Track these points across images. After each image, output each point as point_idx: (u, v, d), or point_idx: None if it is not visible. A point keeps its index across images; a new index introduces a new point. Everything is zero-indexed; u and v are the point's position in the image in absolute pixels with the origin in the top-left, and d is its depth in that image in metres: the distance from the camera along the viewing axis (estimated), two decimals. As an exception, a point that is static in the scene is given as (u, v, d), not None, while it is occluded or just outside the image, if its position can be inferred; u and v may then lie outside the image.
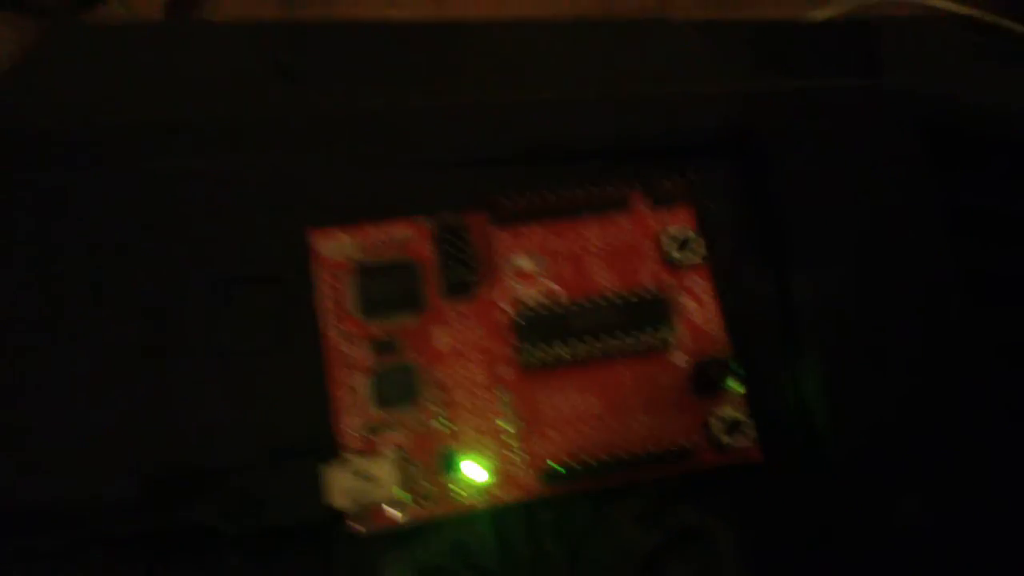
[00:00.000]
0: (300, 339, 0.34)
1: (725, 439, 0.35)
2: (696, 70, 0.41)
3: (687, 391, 0.35)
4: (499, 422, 0.34)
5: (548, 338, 0.34)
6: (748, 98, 0.39)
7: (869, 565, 0.34)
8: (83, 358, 0.32)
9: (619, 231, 0.37)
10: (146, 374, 0.32)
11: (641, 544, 0.34)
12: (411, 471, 0.33)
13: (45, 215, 0.33)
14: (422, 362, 0.34)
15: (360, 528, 0.32)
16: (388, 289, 0.35)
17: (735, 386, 0.36)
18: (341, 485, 0.31)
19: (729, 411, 0.35)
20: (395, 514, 0.32)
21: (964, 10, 0.45)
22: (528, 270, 0.36)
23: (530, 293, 0.36)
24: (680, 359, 0.36)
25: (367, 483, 0.31)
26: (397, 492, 0.32)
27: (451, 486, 0.33)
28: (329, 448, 0.32)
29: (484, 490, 0.33)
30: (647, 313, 0.35)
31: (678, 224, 0.37)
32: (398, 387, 0.34)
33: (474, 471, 0.33)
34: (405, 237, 0.35)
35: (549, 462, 0.33)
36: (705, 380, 0.35)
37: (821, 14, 0.44)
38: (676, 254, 0.37)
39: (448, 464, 0.33)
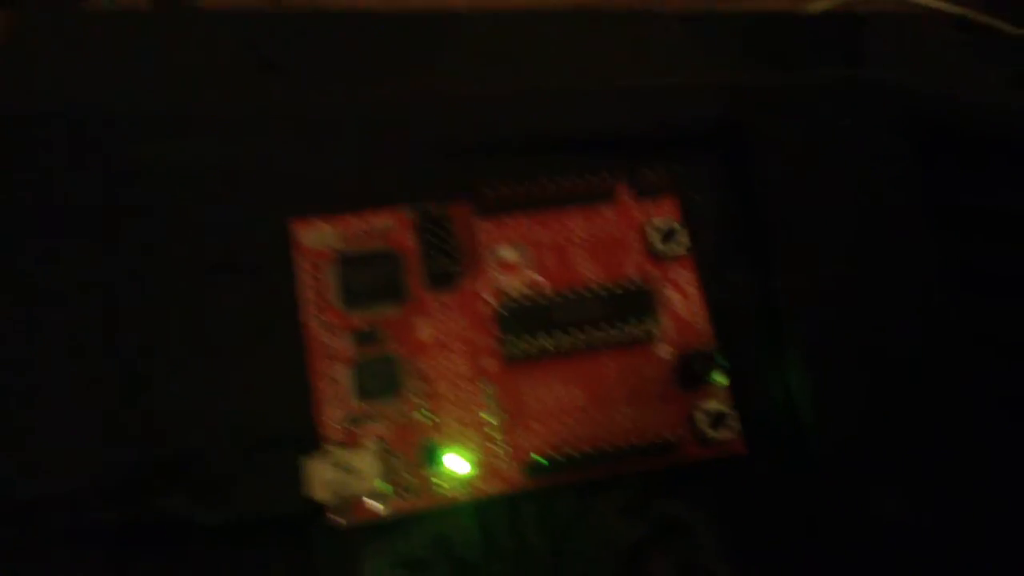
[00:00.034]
0: (281, 329, 0.33)
1: (709, 432, 0.35)
2: (683, 62, 0.41)
3: (671, 383, 0.35)
4: (482, 414, 0.34)
5: (532, 329, 0.34)
6: (735, 91, 0.39)
7: (850, 558, 0.34)
8: (58, 347, 0.32)
9: (604, 222, 0.37)
10: (123, 363, 0.32)
11: (624, 536, 0.34)
12: (393, 463, 0.32)
13: (21, 202, 0.33)
14: (404, 353, 0.34)
15: (341, 520, 0.31)
16: (370, 280, 0.34)
17: (720, 379, 0.35)
18: (322, 477, 0.31)
19: (713, 404, 0.35)
20: (376, 506, 0.32)
21: (951, 8, 0.45)
22: (512, 261, 0.36)
23: (514, 284, 0.35)
24: (664, 351, 0.36)
25: (348, 475, 0.31)
26: (379, 484, 0.31)
27: (433, 478, 0.33)
28: (310, 439, 0.32)
29: (467, 482, 0.33)
30: (631, 305, 0.35)
31: (663, 216, 0.37)
32: (380, 379, 0.33)
33: (457, 463, 0.33)
34: (387, 227, 0.35)
35: (532, 455, 0.33)
36: (690, 373, 0.35)
37: (813, 7, 0.44)
38: (661, 246, 0.37)
39: (430, 456, 0.33)
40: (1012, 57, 0.44)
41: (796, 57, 0.41)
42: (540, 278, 0.36)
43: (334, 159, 0.35)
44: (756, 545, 0.35)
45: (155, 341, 0.32)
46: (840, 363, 0.36)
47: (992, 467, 0.35)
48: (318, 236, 0.34)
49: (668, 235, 0.37)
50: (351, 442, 0.32)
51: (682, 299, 0.36)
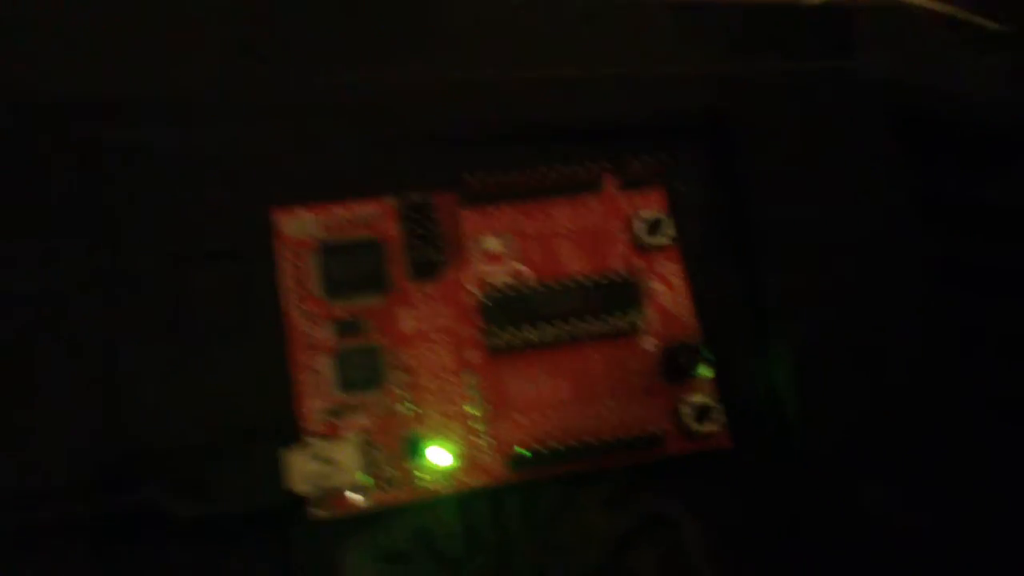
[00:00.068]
0: (261, 319, 0.33)
1: (694, 425, 0.35)
2: (670, 52, 0.40)
3: (656, 376, 0.35)
4: (465, 406, 0.33)
5: (516, 321, 0.34)
6: (721, 81, 0.39)
7: (835, 553, 0.34)
8: (31, 336, 0.31)
9: (589, 213, 0.36)
10: (99, 353, 0.31)
11: (608, 530, 0.34)
12: (374, 455, 0.32)
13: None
14: (387, 344, 0.33)
15: (321, 513, 0.31)
16: (352, 269, 0.34)
17: (705, 372, 0.35)
18: (302, 469, 0.31)
19: (698, 397, 0.35)
20: (357, 499, 0.32)
21: (937, 6, 0.45)
22: (497, 251, 0.35)
23: (498, 275, 0.35)
24: (649, 343, 0.35)
25: (329, 467, 0.31)
26: (360, 477, 0.31)
27: (415, 471, 0.32)
28: (290, 431, 0.32)
29: (449, 475, 0.32)
30: (617, 296, 0.35)
31: (649, 207, 0.37)
32: (362, 370, 0.33)
33: (439, 456, 0.32)
34: (370, 216, 0.35)
35: (516, 448, 0.33)
36: (675, 366, 0.35)
37: (810, 0, 0.44)
38: (646, 237, 0.36)
39: (413, 449, 0.32)
40: (1004, 51, 0.43)
41: (786, 48, 0.41)
42: (525, 269, 0.35)
43: (316, 147, 0.35)
44: (740, 539, 0.34)
45: (133, 331, 0.32)
46: (827, 357, 0.36)
47: (980, 462, 0.35)
48: (300, 225, 0.34)
49: (654, 226, 0.36)
50: (332, 434, 0.32)
51: (667, 291, 0.36)
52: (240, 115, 0.34)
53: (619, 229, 0.36)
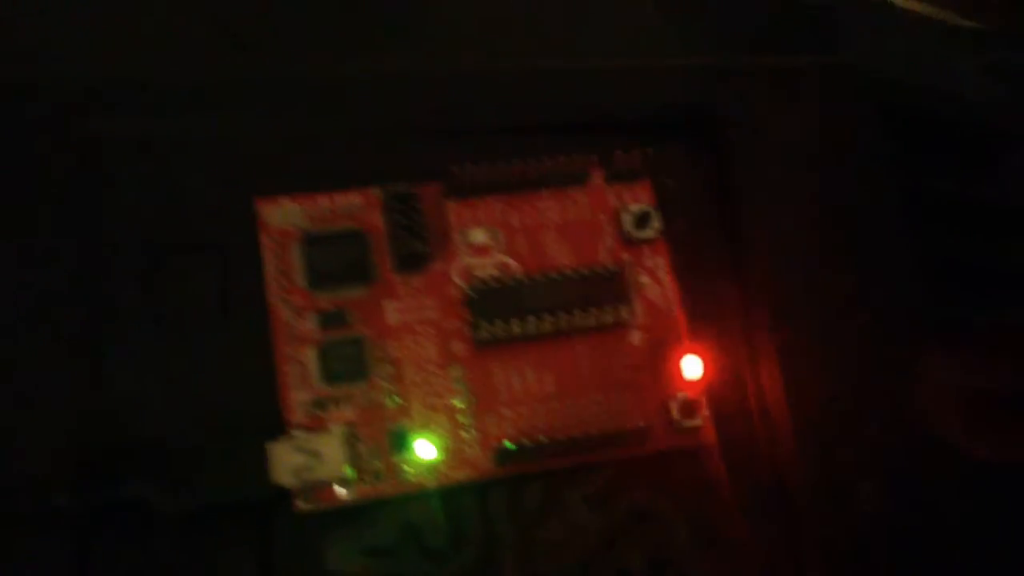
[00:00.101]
0: (245, 310, 0.33)
1: (680, 421, 0.35)
2: (658, 46, 0.40)
3: (643, 370, 0.35)
4: (450, 399, 0.33)
5: (502, 314, 0.34)
6: (710, 75, 0.39)
7: (822, 548, 0.34)
8: (12, 327, 0.31)
9: (576, 206, 0.37)
10: (81, 344, 0.31)
11: (594, 525, 0.34)
12: (359, 448, 0.32)
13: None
14: (372, 336, 0.33)
15: (305, 506, 0.31)
16: (337, 260, 0.34)
17: (692, 367, 0.35)
18: (286, 462, 0.30)
19: (685, 393, 0.35)
20: (342, 492, 0.31)
21: (921, 8, 0.45)
22: (483, 244, 0.35)
23: (484, 267, 0.35)
24: (636, 337, 0.35)
25: (313, 460, 0.31)
26: (344, 470, 0.31)
27: (401, 465, 0.32)
28: (274, 423, 0.31)
29: (435, 469, 0.32)
30: (603, 290, 0.35)
31: (636, 200, 0.37)
32: (347, 362, 0.33)
33: (425, 449, 0.32)
34: (355, 207, 0.35)
35: (505, 442, 0.33)
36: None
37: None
38: (634, 230, 0.36)
39: (398, 442, 0.32)
40: (992, 50, 0.44)
41: (774, 42, 0.41)
42: (511, 261, 0.35)
43: (302, 137, 0.35)
44: (727, 536, 0.34)
45: (116, 323, 0.31)
46: (815, 351, 0.36)
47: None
48: (284, 215, 0.34)
49: (641, 220, 0.36)
50: (317, 426, 0.32)
51: (654, 285, 0.36)
52: (224, 105, 0.34)
53: (606, 222, 0.37)
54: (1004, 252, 0.40)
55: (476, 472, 0.33)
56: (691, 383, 0.35)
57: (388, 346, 0.33)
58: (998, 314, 0.38)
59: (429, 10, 0.38)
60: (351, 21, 0.37)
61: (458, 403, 0.33)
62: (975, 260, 0.39)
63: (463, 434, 0.33)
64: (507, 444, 0.33)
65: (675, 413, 0.35)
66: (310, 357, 0.32)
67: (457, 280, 0.35)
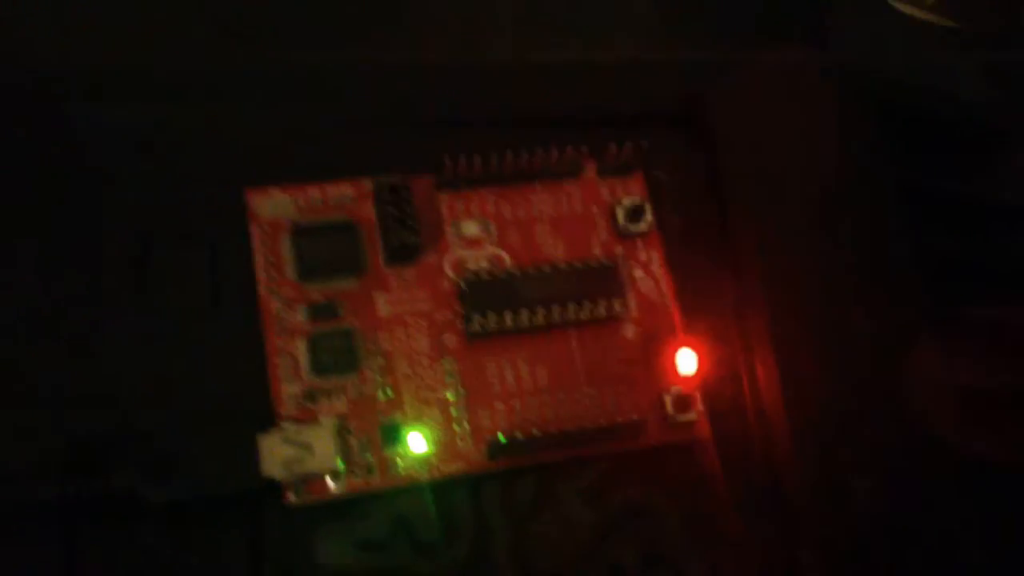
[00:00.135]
0: (235, 301, 0.33)
1: (675, 416, 0.35)
2: (651, 39, 0.41)
3: (636, 364, 0.35)
4: (443, 392, 0.33)
5: (495, 306, 0.34)
6: (702, 68, 0.39)
7: (817, 544, 0.34)
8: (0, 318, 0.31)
9: (569, 199, 0.37)
10: (69, 334, 0.31)
11: (587, 520, 0.34)
12: (350, 441, 0.32)
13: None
14: (363, 328, 0.33)
15: (296, 499, 0.31)
16: (327, 251, 0.34)
17: (686, 361, 0.35)
18: (276, 454, 0.31)
19: (679, 387, 0.35)
20: (333, 485, 0.31)
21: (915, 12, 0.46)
22: (475, 236, 0.35)
23: (477, 260, 0.35)
24: (630, 331, 0.36)
25: (303, 452, 0.31)
26: (335, 462, 0.31)
27: (392, 458, 0.32)
28: (265, 415, 0.31)
29: (427, 462, 0.33)
30: (596, 283, 0.35)
31: (629, 194, 0.37)
32: (338, 354, 0.33)
33: (416, 443, 0.32)
34: (346, 198, 0.35)
35: (499, 435, 0.33)
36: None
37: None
38: (626, 224, 0.37)
39: (389, 435, 0.32)
40: (983, 47, 0.44)
41: (765, 36, 0.42)
42: (504, 254, 0.35)
43: (293, 127, 0.35)
44: (721, 532, 0.35)
45: (104, 313, 0.31)
46: (810, 346, 0.36)
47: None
48: (274, 205, 0.34)
49: (634, 214, 0.37)
50: (307, 419, 0.32)
51: (648, 278, 0.36)
52: (215, 94, 0.34)
53: (599, 216, 0.37)
54: (999, 249, 0.40)
55: (468, 465, 0.33)
56: (685, 378, 0.35)
57: (379, 338, 0.33)
58: (993, 311, 0.39)
59: (422, 2, 0.39)
60: (344, 12, 0.37)
61: (450, 396, 0.33)
62: (970, 257, 0.39)
63: (455, 427, 0.33)
64: (500, 437, 0.33)
65: (669, 408, 0.35)
66: (300, 349, 0.33)
67: (449, 272, 0.35)
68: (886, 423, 0.35)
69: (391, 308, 0.34)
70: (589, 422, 0.34)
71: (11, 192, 0.32)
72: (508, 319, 0.34)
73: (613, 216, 0.37)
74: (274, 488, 0.31)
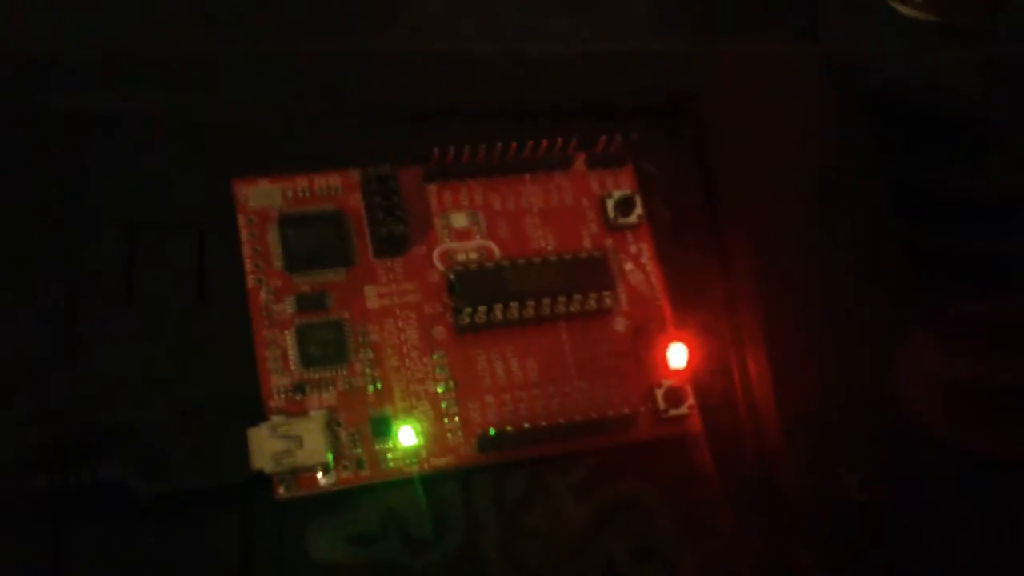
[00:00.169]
0: (223, 292, 0.33)
1: (666, 409, 0.35)
2: (641, 30, 0.41)
3: (627, 358, 0.36)
4: (433, 385, 0.34)
5: (484, 299, 0.34)
6: (692, 61, 0.40)
7: (809, 538, 0.35)
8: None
9: (559, 191, 0.37)
10: (55, 325, 0.31)
11: (578, 514, 0.34)
12: (340, 434, 0.32)
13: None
14: (352, 320, 0.34)
15: (286, 492, 0.31)
16: (315, 242, 0.34)
17: (677, 355, 0.36)
18: (265, 447, 0.31)
19: (670, 381, 0.35)
20: (322, 479, 0.32)
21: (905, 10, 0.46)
22: (464, 228, 0.36)
23: (466, 251, 0.35)
24: (620, 324, 0.36)
25: (293, 445, 0.31)
26: (325, 456, 0.31)
27: (382, 451, 0.33)
28: (254, 408, 0.32)
29: (417, 456, 0.33)
30: (586, 275, 0.36)
31: (619, 186, 0.38)
32: (326, 346, 0.33)
33: (406, 436, 0.33)
34: (334, 188, 0.35)
35: (485, 428, 0.33)
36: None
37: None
38: (616, 216, 0.37)
39: (379, 428, 0.33)
40: (973, 41, 0.45)
41: (755, 29, 0.42)
42: (493, 246, 0.36)
43: (280, 117, 0.35)
44: (713, 526, 0.35)
45: (92, 305, 0.32)
46: (798, 340, 0.36)
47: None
48: (261, 195, 0.34)
49: (624, 206, 0.37)
50: (296, 411, 0.32)
51: (638, 271, 0.37)
52: (202, 84, 0.34)
53: (589, 208, 0.37)
54: (991, 244, 0.41)
55: (458, 459, 0.33)
56: (676, 371, 0.36)
57: (368, 330, 0.34)
58: (985, 305, 0.39)
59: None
60: (333, 2, 0.38)
61: (440, 389, 0.34)
62: (962, 251, 0.40)
63: (445, 420, 0.33)
64: (490, 431, 0.33)
65: (660, 402, 0.35)
66: (289, 341, 0.33)
67: (438, 264, 0.35)
68: (877, 417, 0.36)
69: (380, 300, 0.34)
70: (580, 416, 0.34)
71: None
72: (498, 312, 0.34)
73: (603, 208, 0.37)
74: (264, 481, 0.31)
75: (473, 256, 0.35)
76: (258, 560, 0.31)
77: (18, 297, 0.31)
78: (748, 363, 0.37)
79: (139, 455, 0.30)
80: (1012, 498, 0.36)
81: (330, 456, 0.31)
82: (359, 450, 0.32)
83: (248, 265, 0.33)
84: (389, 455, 0.33)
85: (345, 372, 0.33)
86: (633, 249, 0.37)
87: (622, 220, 0.37)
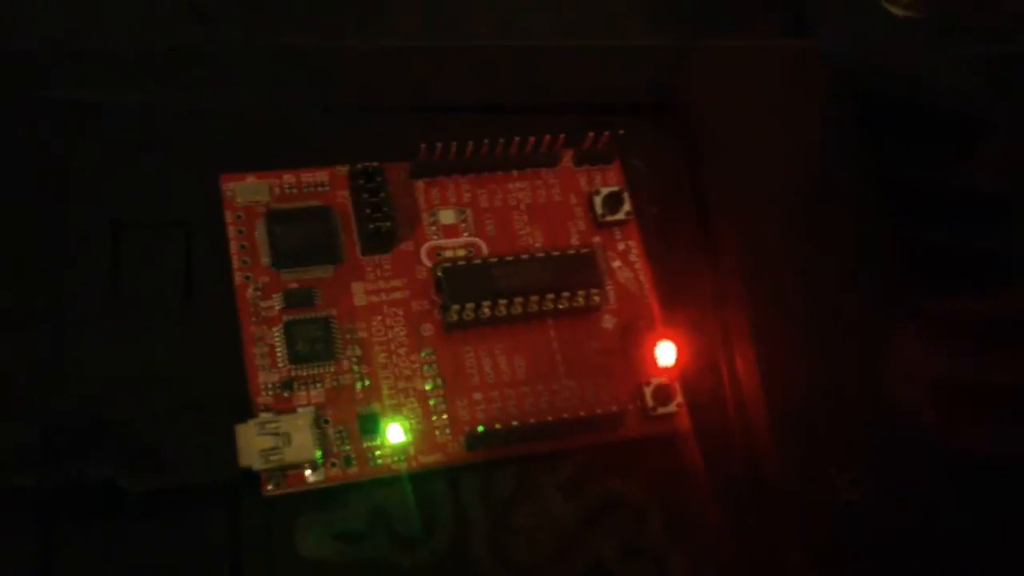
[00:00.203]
0: (210, 289, 0.33)
1: (654, 407, 0.36)
2: (628, 25, 0.42)
3: (615, 355, 0.36)
4: (421, 383, 0.34)
5: (472, 296, 0.35)
6: (679, 56, 0.40)
7: (799, 537, 0.36)
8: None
9: (547, 188, 0.38)
10: (43, 321, 0.31)
11: (567, 512, 0.35)
12: (328, 431, 0.33)
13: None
14: (339, 317, 0.34)
15: (274, 489, 0.32)
16: (302, 238, 0.35)
17: (665, 353, 0.36)
18: (253, 444, 0.31)
19: (658, 379, 0.36)
20: (311, 476, 0.32)
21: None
22: (452, 224, 0.36)
23: (453, 248, 0.36)
24: (608, 321, 0.37)
25: (281, 442, 0.31)
26: (313, 453, 0.32)
27: (370, 448, 0.33)
28: (242, 404, 0.32)
29: (405, 453, 0.33)
30: (574, 273, 0.36)
31: (606, 183, 0.38)
32: (314, 343, 0.34)
33: (394, 433, 0.33)
34: (321, 184, 0.36)
35: (472, 426, 0.34)
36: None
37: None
38: (604, 213, 0.38)
39: (367, 425, 0.33)
40: (960, 37, 0.45)
41: (742, 24, 0.43)
42: (481, 243, 0.36)
43: (268, 113, 0.35)
44: (701, 525, 0.36)
45: (79, 301, 0.32)
46: (787, 337, 0.37)
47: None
48: (249, 191, 0.35)
49: (611, 203, 0.38)
50: (285, 408, 0.33)
51: (626, 268, 0.37)
52: (189, 79, 0.35)
53: (576, 205, 0.38)
54: (979, 240, 0.41)
55: (447, 457, 0.34)
56: (665, 369, 0.36)
57: (355, 327, 0.34)
58: (973, 302, 0.40)
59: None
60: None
61: (428, 386, 0.34)
62: (950, 248, 0.41)
63: (433, 418, 0.34)
64: (479, 429, 0.33)
65: (649, 400, 0.36)
66: (277, 337, 0.33)
67: (426, 261, 0.36)
68: (866, 415, 0.37)
69: (367, 297, 0.35)
70: (568, 414, 0.35)
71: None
72: (486, 309, 0.35)
73: (591, 205, 0.38)
74: (252, 478, 0.31)
75: (461, 253, 0.36)
76: (246, 557, 0.31)
77: (4, 294, 0.31)
78: (737, 361, 0.37)
79: (127, 452, 0.30)
80: (1001, 495, 0.37)
81: (318, 453, 0.32)
82: (347, 447, 0.33)
83: (235, 261, 0.34)
84: (377, 452, 0.33)
85: (333, 369, 0.34)
86: (621, 246, 0.38)
87: (610, 217, 0.38)
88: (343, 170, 0.36)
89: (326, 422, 0.33)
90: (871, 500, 0.36)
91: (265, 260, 0.34)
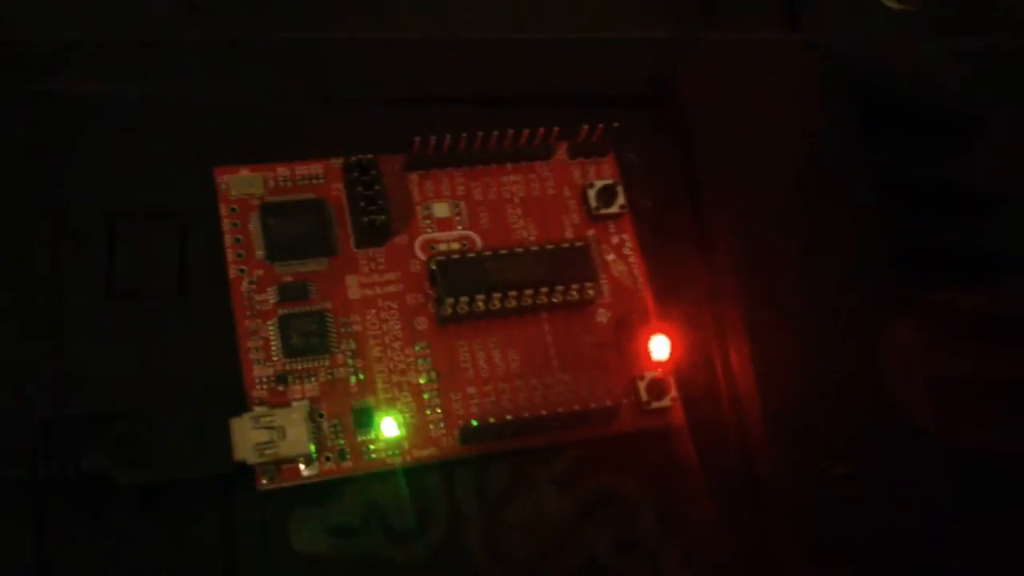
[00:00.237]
0: (204, 281, 0.34)
1: (648, 402, 0.36)
2: (622, 18, 0.42)
3: (610, 349, 0.37)
4: (415, 376, 0.35)
5: (466, 289, 0.35)
6: (674, 48, 0.41)
7: (792, 531, 0.36)
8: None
9: (541, 181, 0.38)
10: (37, 314, 0.32)
11: (561, 507, 0.35)
12: (322, 425, 0.33)
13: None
14: (334, 310, 0.35)
15: (268, 483, 0.32)
16: (297, 231, 0.35)
17: (660, 347, 0.37)
18: (248, 437, 0.32)
19: (653, 373, 0.37)
20: (305, 470, 0.33)
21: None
22: (446, 217, 0.37)
23: (447, 241, 0.37)
24: (602, 315, 0.37)
25: (275, 436, 0.32)
26: (307, 447, 0.32)
27: (364, 442, 0.34)
28: (236, 398, 0.33)
29: (399, 447, 0.34)
30: (568, 266, 0.37)
31: (601, 175, 0.39)
32: (308, 336, 0.34)
33: (389, 427, 0.34)
34: (315, 177, 0.36)
35: (467, 420, 0.34)
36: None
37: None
38: (598, 206, 0.38)
39: (361, 419, 0.34)
40: (956, 32, 0.46)
41: (737, 17, 0.43)
42: (475, 236, 0.37)
43: (262, 105, 0.36)
44: (695, 519, 0.36)
45: (74, 294, 0.33)
46: (781, 332, 0.38)
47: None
48: (243, 184, 0.35)
49: (606, 196, 0.38)
50: (279, 402, 0.33)
51: (620, 262, 0.38)
52: (184, 71, 0.35)
53: (571, 198, 0.38)
54: (973, 236, 0.42)
55: (441, 451, 0.34)
56: (659, 363, 0.37)
57: (350, 321, 0.35)
58: (966, 297, 0.41)
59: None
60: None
61: (422, 380, 0.35)
62: (944, 243, 0.41)
63: (427, 412, 0.35)
64: (473, 423, 0.34)
65: (643, 394, 0.36)
66: (271, 331, 0.34)
67: (420, 254, 0.36)
68: (861, 409, 0.37)
69: (362, 290, 0.35)
70: (562, 408, 0.35)
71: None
72: (480, 302, 0.35)
73: (585, 198, 0.38)
74: (246, 472, 0.32)
75: (455, 246, 0.37)
76: (240, 551, 0.32)
77: (2, 288, 0.32)
78: (731, 355, 0.38)
79: (122, 445, 0.30)
80: (996, 490, 0.38)
81: (312, 447, 0.33)
82: (341, 441, 0.33)
83: (230, 255, 0.34)
84: (371, 446, 0.34)
85: (327, 363, 0.34)
86: (615, 239, 0.38)
87: (604, 210, 0.38)
88: (337, 163, 0.36)
89: (320, 416, 0.33)
90: (864, 494, 0.36)
91: (259, 253, 0.35)
